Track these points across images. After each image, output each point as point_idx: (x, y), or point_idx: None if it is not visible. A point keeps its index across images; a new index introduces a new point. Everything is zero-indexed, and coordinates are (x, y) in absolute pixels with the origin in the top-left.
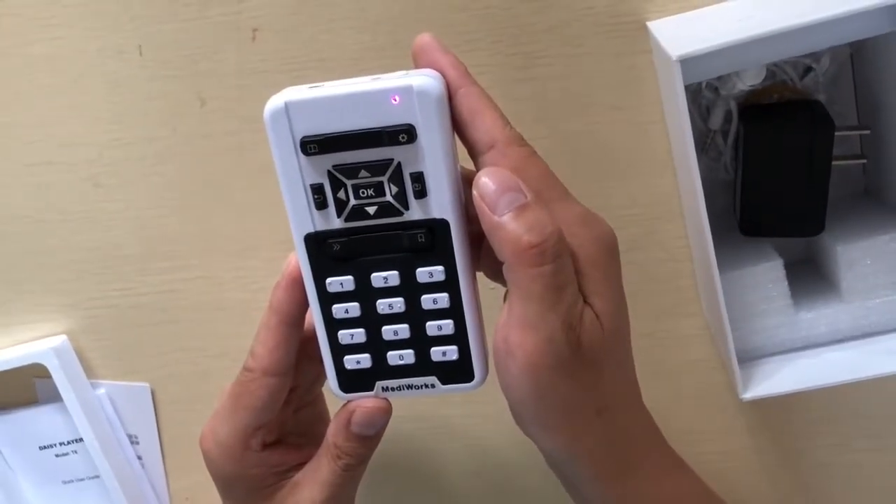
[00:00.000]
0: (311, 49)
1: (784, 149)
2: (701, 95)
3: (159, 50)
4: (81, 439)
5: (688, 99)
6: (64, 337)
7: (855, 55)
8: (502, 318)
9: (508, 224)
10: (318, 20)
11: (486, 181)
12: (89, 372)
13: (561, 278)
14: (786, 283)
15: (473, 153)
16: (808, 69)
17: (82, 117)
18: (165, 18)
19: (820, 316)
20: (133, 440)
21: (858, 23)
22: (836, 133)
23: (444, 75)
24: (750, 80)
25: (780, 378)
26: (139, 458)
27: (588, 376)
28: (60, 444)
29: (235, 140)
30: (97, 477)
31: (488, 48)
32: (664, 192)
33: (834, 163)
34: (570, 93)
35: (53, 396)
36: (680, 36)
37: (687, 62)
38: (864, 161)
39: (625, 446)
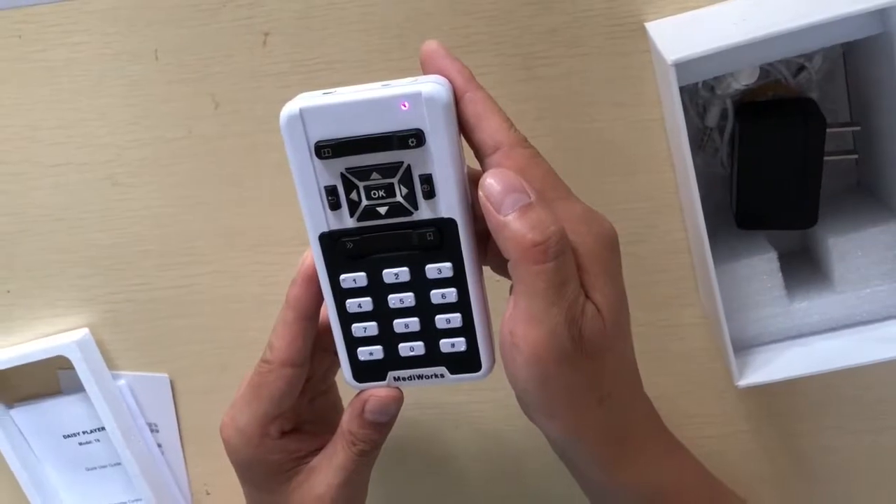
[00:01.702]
0: (321, 52)
1: (778, 145)
2: (698, 94)
3: (174, 54)
4: (103, 428)
5: (685, 97)
6: (86, 330)
7: (847, 54)
8: (508, 312)
9: (513, 223)
10: (326, 24)
11: (491, 182)
12: (110, 363)
13: (563, 275)
14: (780, 274)
15: (479, 155)
16: (802, 68)
17: (101, 119)
18: (180, 24)
19: (813, 306)
20: (153, 429)
21: (849, 25)
22: (829, 130)
23: (450, 81)
24: (744, 79)
25: (774, 366)
26: (159, 445)
27: (590, 367)
28: (83, 432)
29: (249, 140)
30: (119, 464)
31: (491, 50)
32: (664, 186)
33: (827, 158)
34: (571, 92)
35: (76, 387)
36: (676, 38)
37: (682, 65)
38: (856, 156)
39: (626, 432)
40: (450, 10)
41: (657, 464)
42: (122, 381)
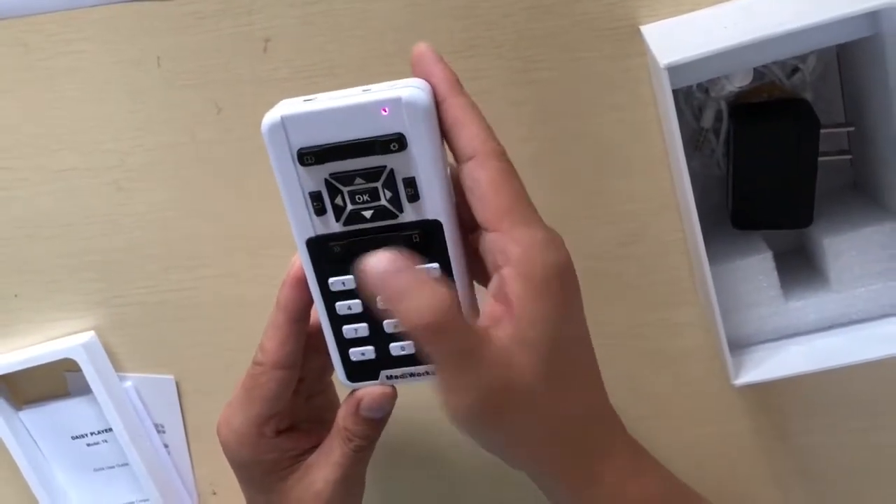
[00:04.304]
0: (321, 58)
1: (772, 146)
2: (692, 96)
3: (176, 61)
4: (111, 429)
5: (680, 99)
6: (92, 333)
7: (841, 55)
8: None
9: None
10: (326, 30)
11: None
12: (117, 365)
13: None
14: (776, 274)
15: (457, 162)
16: (796, 69)
17: (105, 126)
18: (181, 31)
19: (809, 305)
20: (159, 429)
21: (842, 27)
22: (823, 130)
23: (434, 86)
24: (738, 82)
25: (771, 364)
26: (166, 446)
27: (516, 416)
28: (91, 433)
29: (250, 145)
30: (126, 465)
31: (489, 53)
32: (661, 187)
33: (821, 158)
34: (568, 95)
35: (83, 389)
36: (670, 41)
37: (675, 68)
38: (850, 156)
39: (587, 456)
40: (448, 14)
41: (622, 485)
42: (128, 383)
